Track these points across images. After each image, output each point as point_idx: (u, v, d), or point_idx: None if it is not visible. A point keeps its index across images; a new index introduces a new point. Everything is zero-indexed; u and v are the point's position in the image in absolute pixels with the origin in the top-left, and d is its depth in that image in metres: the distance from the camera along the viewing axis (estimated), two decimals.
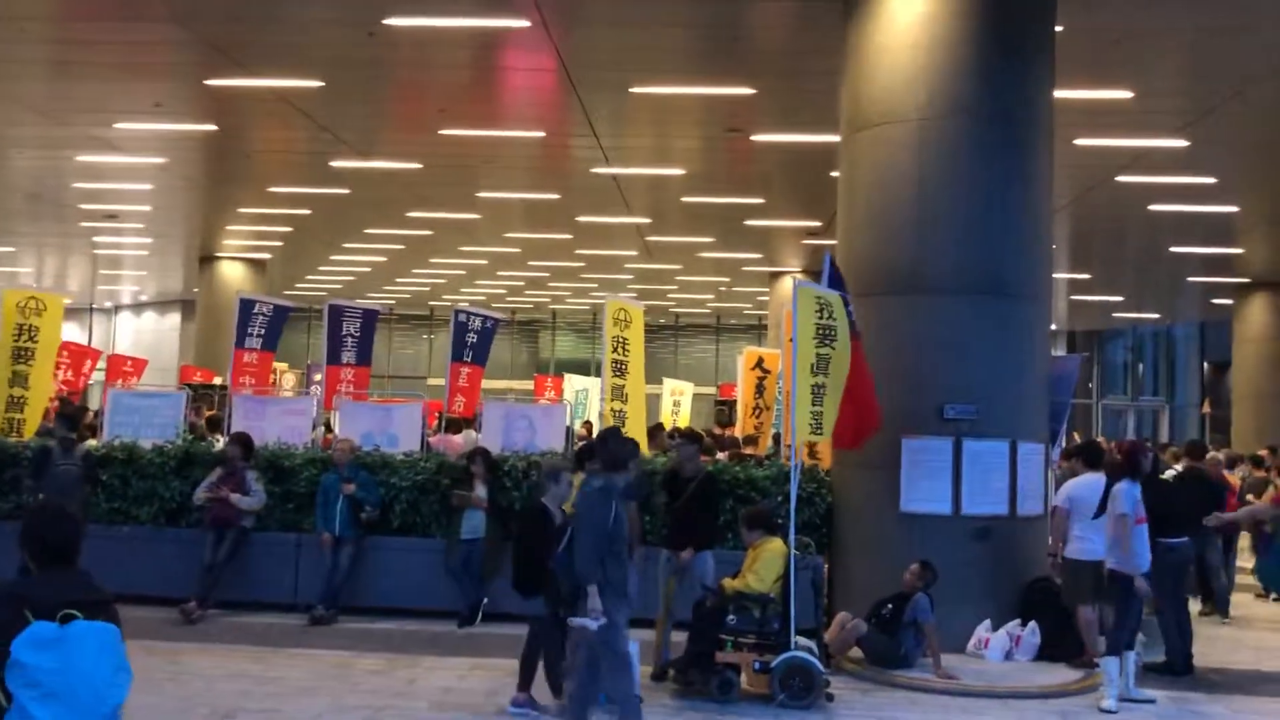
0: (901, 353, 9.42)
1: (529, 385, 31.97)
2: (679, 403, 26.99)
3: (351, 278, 33.21)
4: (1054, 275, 26.87)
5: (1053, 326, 37.43)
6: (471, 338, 11.70)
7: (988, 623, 9.07)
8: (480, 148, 16.83)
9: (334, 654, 8.64)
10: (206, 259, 28.71)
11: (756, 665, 7.49)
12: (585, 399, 26.02)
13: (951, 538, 9.19)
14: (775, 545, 7.77)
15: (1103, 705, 7.72)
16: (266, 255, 28.67)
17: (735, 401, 19.25)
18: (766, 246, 25.07)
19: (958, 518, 9.19)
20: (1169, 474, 11.46)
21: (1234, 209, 18.70)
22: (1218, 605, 11.35)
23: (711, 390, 34.99)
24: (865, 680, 8.33)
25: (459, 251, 27.40)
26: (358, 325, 12.37)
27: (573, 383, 27.17)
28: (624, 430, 10.52)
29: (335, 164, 18.04)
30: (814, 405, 8.30)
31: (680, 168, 17.82)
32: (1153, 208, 18.74)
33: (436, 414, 12.35)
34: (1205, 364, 36.88)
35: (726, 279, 31.11)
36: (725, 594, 7.69)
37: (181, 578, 9.93)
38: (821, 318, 8.20)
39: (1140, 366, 40.81)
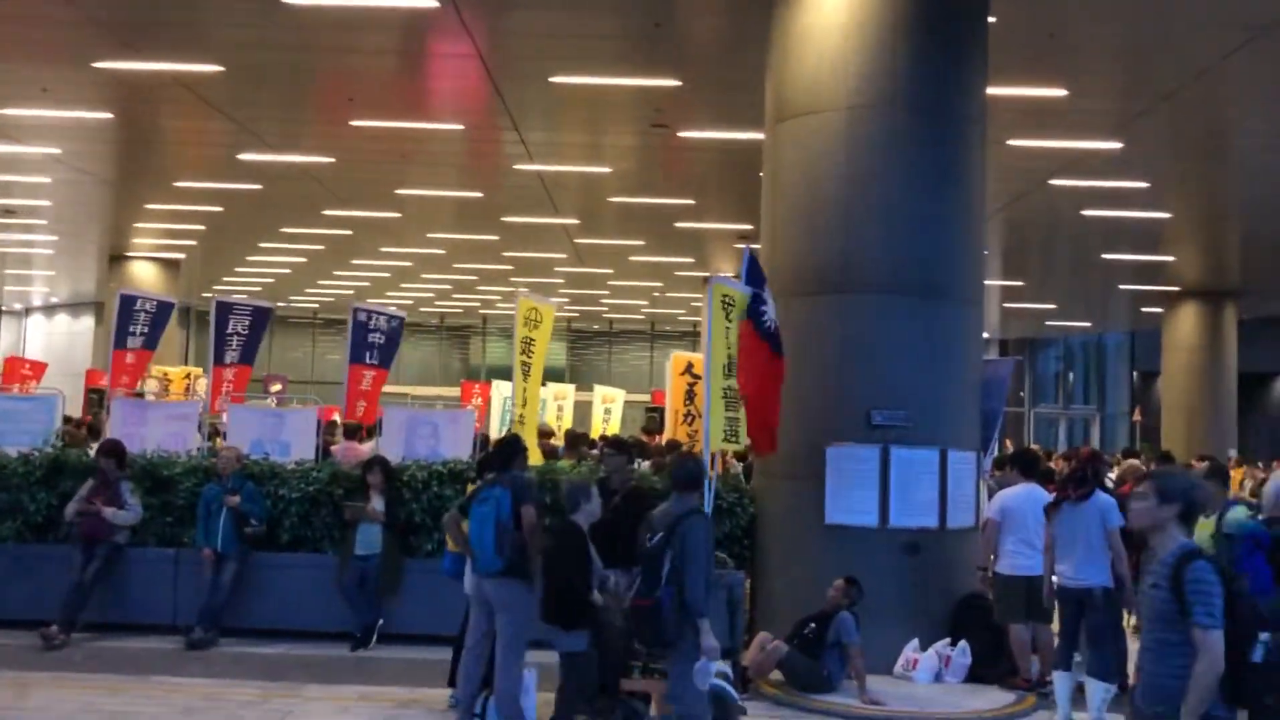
0: (828, 356, 8.87)
1: (458, 392, 31.15)
2: (610, 410, 26.40)
3: (271, 280, 32.17)
4: (987, 282, 26.88)
5: (985, 335, 37.58)
6: (375, 338, 10.94)
7: (916, 642, 8.54)
8: (396, 141, 16.08)
9: (205, 683, 7.85)
10: (117, 258, 27.53)
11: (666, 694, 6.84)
12: (510, 405, 25.23)
13: (879, 552, 8.65)
14: None
15: None
16: (180, 255, 27.54)
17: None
18: (699, 250, 24.57)
19: (885, 530, 8.66)
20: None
21: (1166, 215, 18.56)
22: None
23: (645, 398, 34.44)
24: (785, 706, 7.75)
25: (381, 253, 26.56)
26: (246, 323, 11.53)
27: (501, 389, 26.42)
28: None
29: (244, 157, 17.16)
30: (727, 411, 7.72)
31: (607, 166, 17.22)
32: (1086, 213, 18.54)
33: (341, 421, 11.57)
34: (1135, 373, 37.17)
35: (660, 284, 30.58)
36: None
37: (49, 599, 9.04)
38: (728, 317, 7.63)
39: (1071, 375, 41.10)
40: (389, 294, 34.67)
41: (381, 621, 9.17)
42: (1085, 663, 7.72)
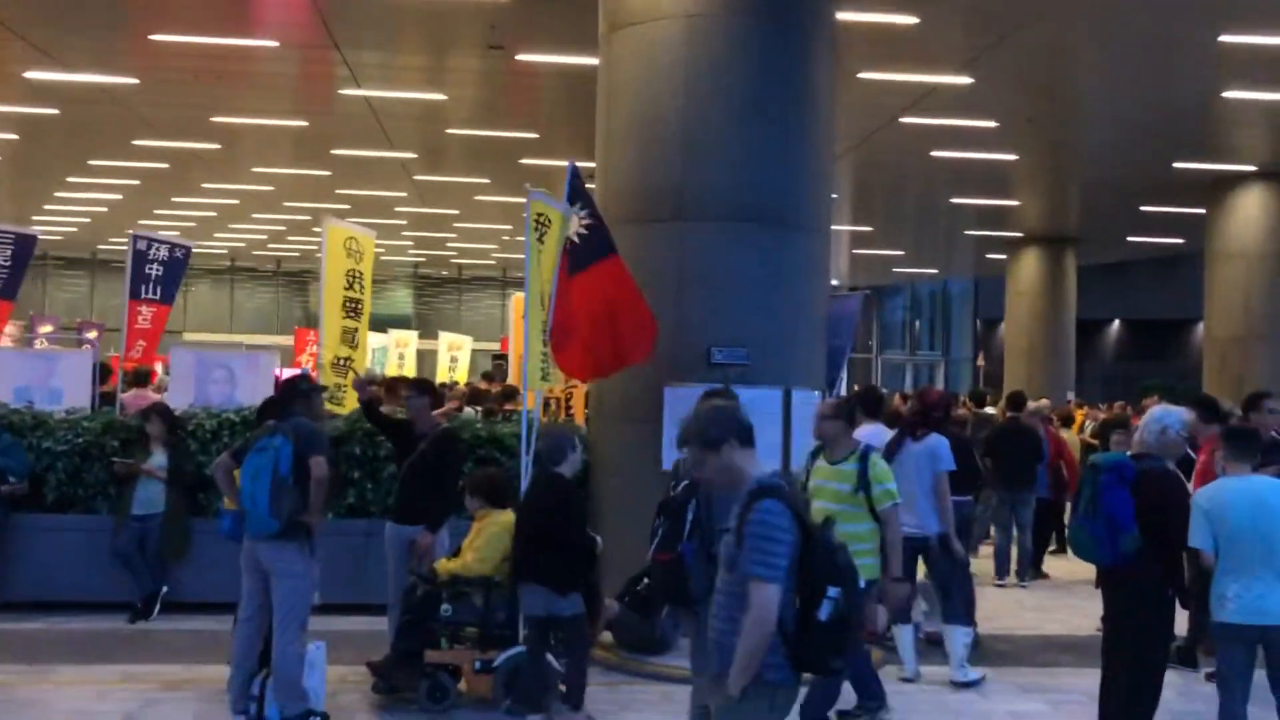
0: (665, 289, 8.12)
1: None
2: (457, 358, 25.42)
3: (86, 219, 29.78)
4: (835, 228, 26.76)
5: (834, 281, 37.76)
6: (154, 270, 9.70)
7: None
8: (205, 60, 14.57)
9: None
10: None
11: (478, 665, 6.08)
12: (383, 357, 24.27)
13: None
14: (503, 518, 6.34)
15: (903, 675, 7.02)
16: None
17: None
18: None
19: None
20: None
21: (1013, 157, 18.47)
22: (1020, 566, 10.76)
23: (496, 346, 33.40)
24: (615, 670, 7.09)
25: (204, 189, 24.71)
26: (9, 254, 10.11)
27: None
28: (339, 383, 8.91)
29: (32, 75, 15.36)
30: (544, 347, 6.92)
31: (440, 93, 16.05)
32: (935, 154, 18.29)
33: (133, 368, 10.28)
34: (978, 320, 38.00)
35: (510, 227, 29.43)
36: (439, 578, 6.21)
37: None
38: (541, 239, 6.80)
39: (917, 323, 41.85)
40: (217, 236, 32.67)
41: (165, 590, 8.14)
42: (940, 612, 7.35)
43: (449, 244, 33.48)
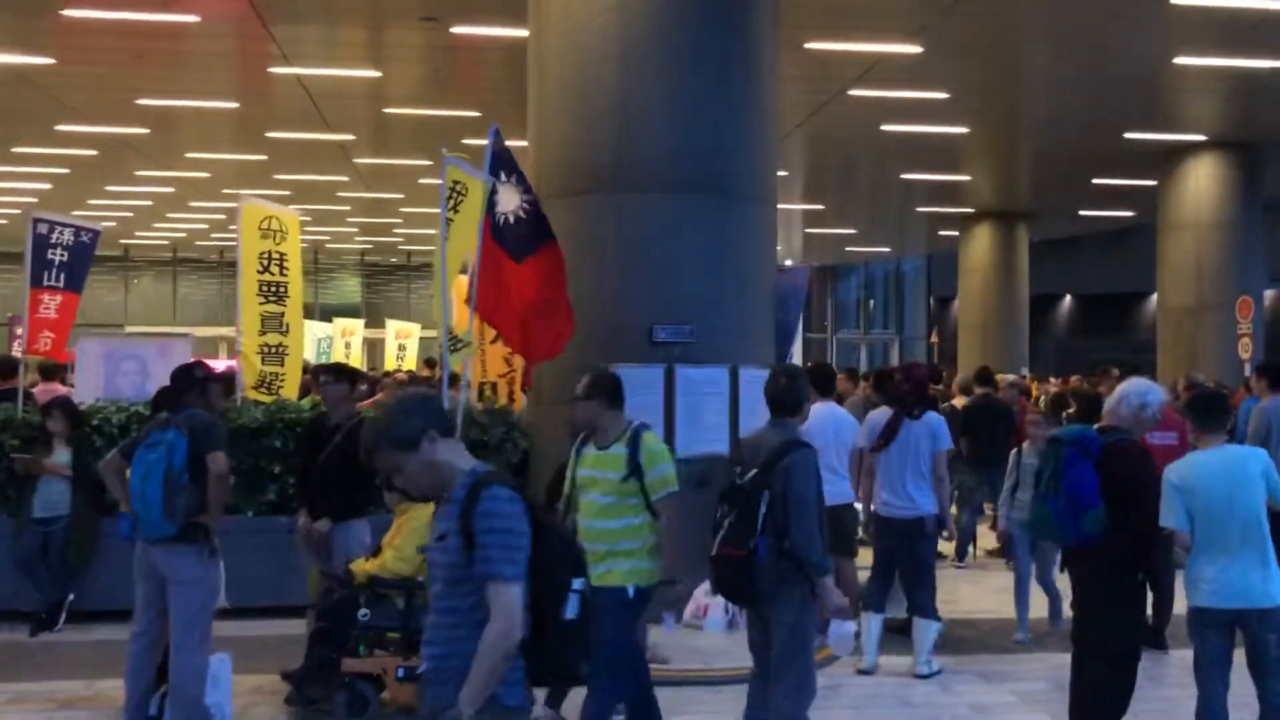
0: (603, 265, 7.70)
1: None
2: (405, 346, 24.86)
3: (15, 210, 28.73)
4: (787, 206, 26.43)
5: (788, 261, 37.47)
6: (58, 255, 9.08)
7: (707, 585, 7.53)
8: (124, 37, 13.84)
9: None
10: None
11: (400, 673, 5.60)
12: (329, 347, 23.66)
13: None
14: (425, 512, 5.86)
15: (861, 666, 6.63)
16: None
17: None
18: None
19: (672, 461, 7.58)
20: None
21: (963, 130, 18.17)
22: (1003, 547, 10.41)
23: None
24: None
25: (136, 177, 23.84)
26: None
27: (313, 330, 24.61)
28: (274, 372, 8.37)
29: None
30: (452, 320, 6.46)
31: (373, 69, 15.43)
32: (885, 128, 17.94)
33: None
34: (931, 298, 37.93)
35: None
36: (355, 580, 5.73)
37: None
38: (455, 208, 6.32)
39: (871, 302, 41.78)
40: (156, 226, 31.70)
41: (72, 598, 7.58)
42: (906, 603, 6.95)
43: (395, 230, 32.75)
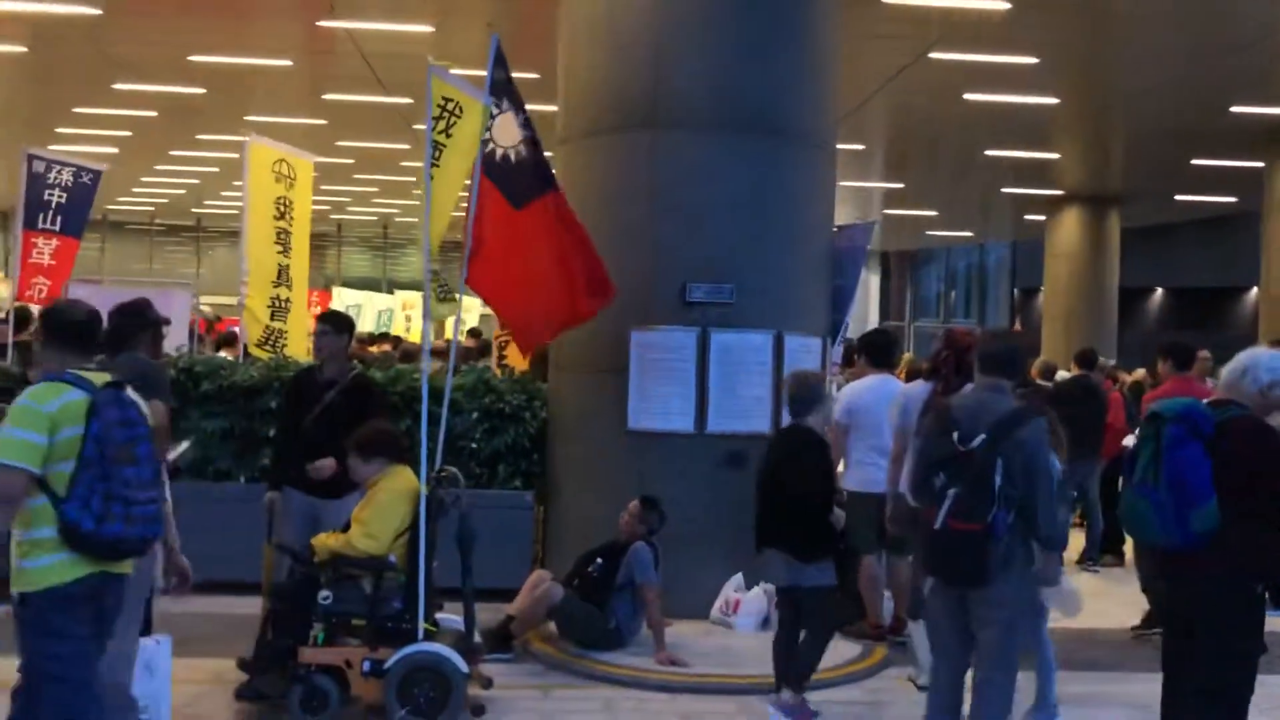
0: (632, 212, 6.86)
1: None
2: (466, 320, 24.47)
3: None
4: (866, 184, 25.29)
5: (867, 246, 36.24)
6: (56, 196, 8.47)
7: (738, 579, 6.70)
8: None
9: None
10: None
11: (367, 666, 4.84)
12: (389, 319, 23.28)
13: (694, 464, 6.77)
14: (399, 482, 5.09)
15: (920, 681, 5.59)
16: None
17: None
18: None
19: (702, 437, 6.75)
20: None
21: (1052, 100, 16.92)
22: (1087, 550, 9.36)
23: None
24: (557, 669, 5.84)
25: (197, 141, 23.55)
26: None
27: (343, 297, 24.27)
28: (279, 328, 7.69)
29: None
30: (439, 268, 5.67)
31: (426, 23, 14.72)
32: (968, 96, 16.77)
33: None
34: (1015, 290, 36.49)
35: None
36: (317, 556, 4.97)
37: None
38: (447, 131, 5.49)
39: (953, 293, 40.46)
40: (224, 194, 31.54)
41: None
42: None
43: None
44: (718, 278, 6.73)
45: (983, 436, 4.20)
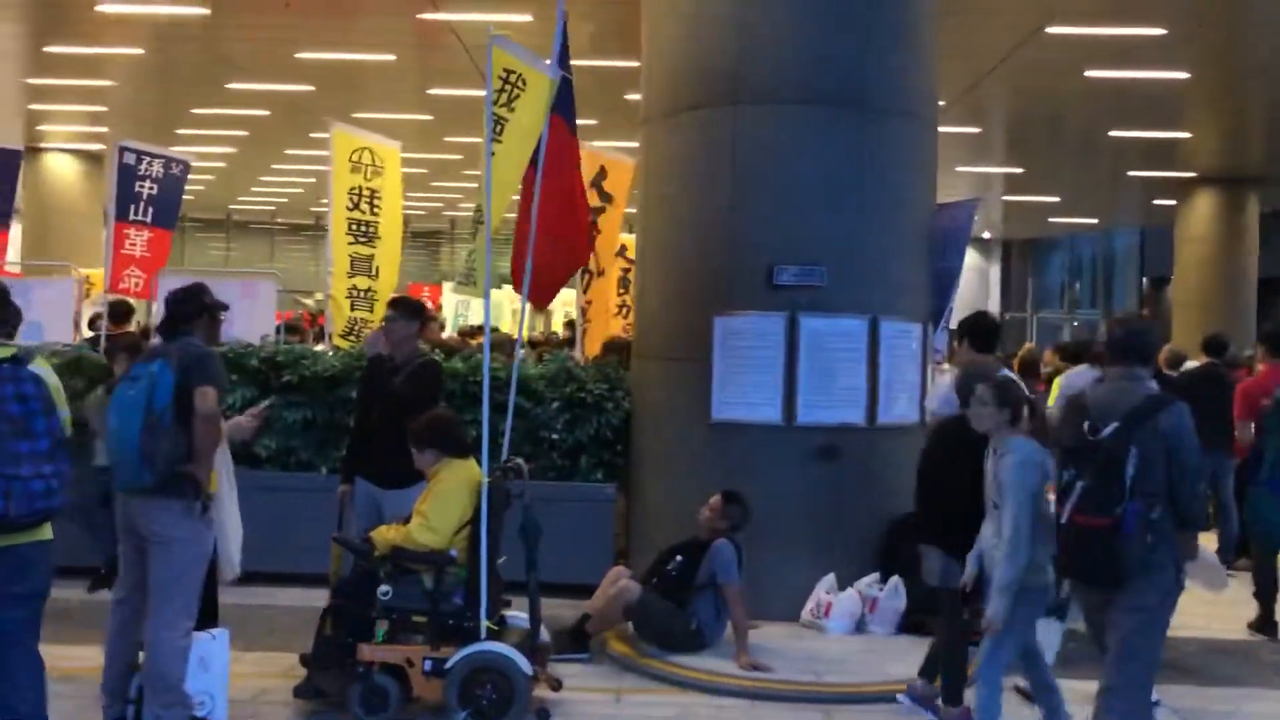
0: (716, 192, 6.52)
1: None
2: (570, 313, 24.45)
3: (210, 177, 29.63)
4: (986, 170, 24.36)
5: (986, 234, 35.12)
6: (147, 188, 8.50)
7: (830, 579, 6.32)
8: None
9: None
10: (31, 151, 25.08)
11: (428, 665, 4.63)
12: (466, 310, 23.39)
13: (783, 458, 6.41)
14: (461, 473, 4.86)
15: None
16: (98, 146, 25.01)
17: None
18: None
19: (792, 429, 6.39)
20: None
21: (1182, 75, 15.93)
22: (1220, 553, 8.69)
23: None
24: (632, 672, 5.55)
25: (310, 140, 23.95)
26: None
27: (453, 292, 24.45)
28: (362, 318, 7.59)
29: (105, 9, 14.58)
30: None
31: (525, 12, 14.57)
32: (1090, 73, 15.92)
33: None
34: (1144, 279, 34.88)
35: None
36: (376, 550, 4.78)
37: None
38: (510, 104, 5.22)
39: (1078, 284, 38.97)
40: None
41: None
42: None
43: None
44: (807, 259, 6.36)
45: (1115, 425, 3.96)
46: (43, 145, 25.01)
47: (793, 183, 6.41)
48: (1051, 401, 8.13)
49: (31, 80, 19.13)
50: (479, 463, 4.92)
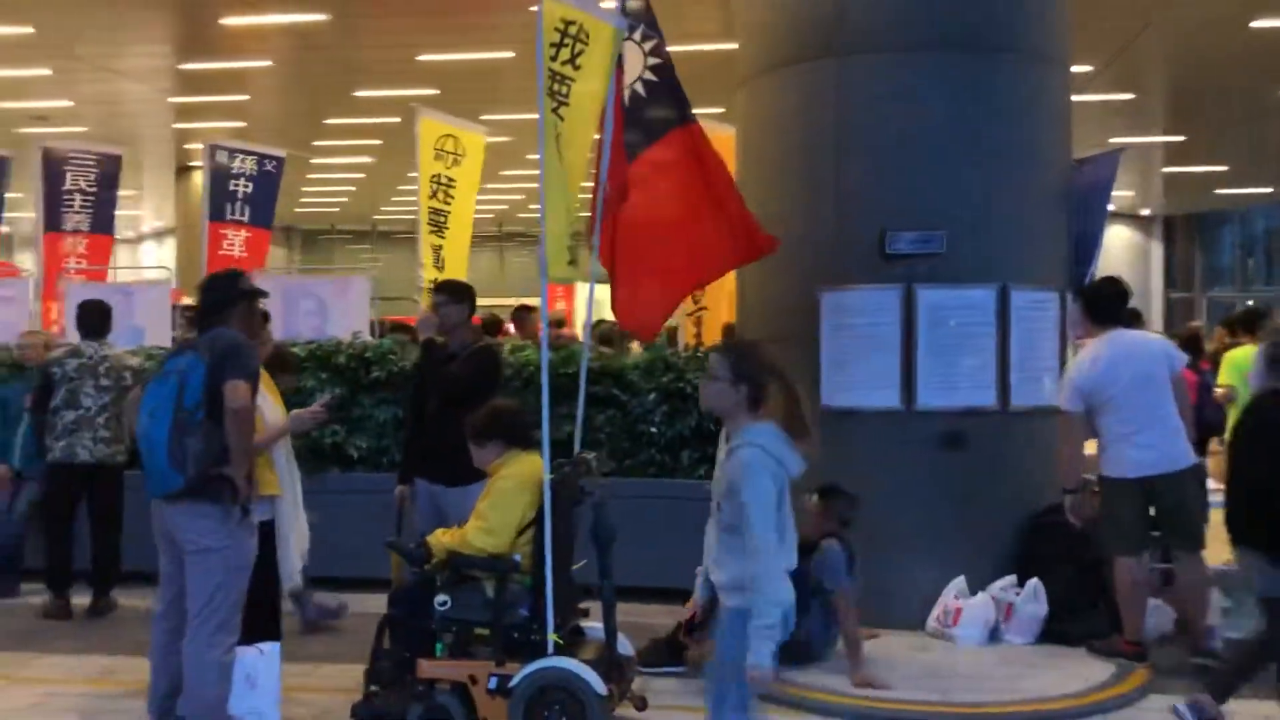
0: (816, 153, 5.90)
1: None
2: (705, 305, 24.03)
3: (351, 187, 30.22)
4: (1143, 139, 22.75)
5: (1145, 210, 33.06)
6: (242, 186, 8.33)
7: (960, 583, 5.61)
8: None
9: None
10: (183, 169, 26.03)
11: (493, 683, 4.16)
12: (596, 308, 23.20)
13: (903, 447, 5.74)
14: (523, 468, 4.36)
15: None
16: None
17: None
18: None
19: (912, 415, 5.71)
20: None
21: None
22: None
23: None
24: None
25: None
26: (92, 177, 9.05)
27: (583, 290, 24.27)
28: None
29: (229, 21, 14.82)
30: (574, 221, 4.92)
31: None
32: (1256, 24, 14.57)
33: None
34: None
35: None
36: (434, 557, 4.33)
37: None
38: (573, 59, 4.70)
39: (1251, 260, 36.40)
40: (480, 198, 32.40)
41: None
42: None
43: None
44: (924, 224, 5.67)
45: None
46: (191, 165, 25.83)
47: (904, 140, 5.73)
48: (1222, 380, 7.24)
49: (173, 99, 19.72)
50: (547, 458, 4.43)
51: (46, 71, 17.00)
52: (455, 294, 5.29)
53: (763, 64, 6.13)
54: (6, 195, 9.03)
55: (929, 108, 5.71)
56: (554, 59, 4.63)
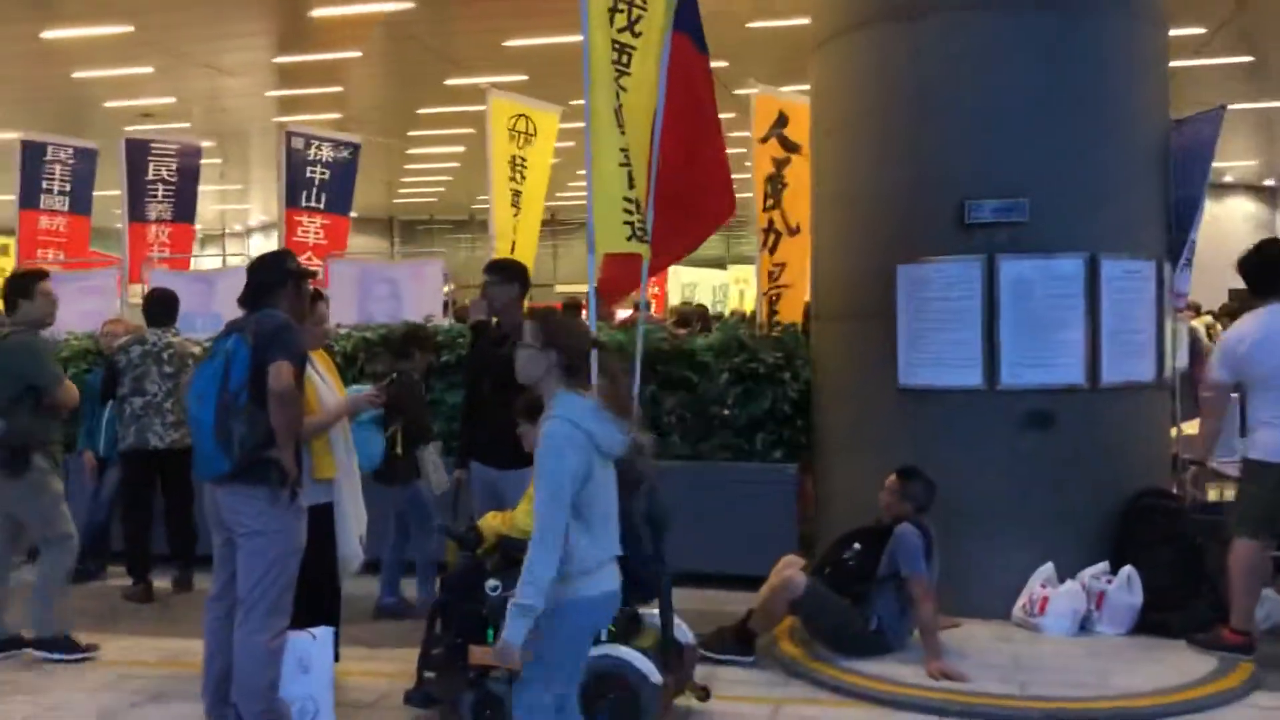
0: (893, 117, 5.62)
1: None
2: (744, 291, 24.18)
3: (448, 177, 30.48)
4: (1266, 104, 21.61)
5: (1269, 180, 31.46)
6: (318, 173, 8.33)
7: (1049, 570, 5.31)
8: None
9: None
10: None
11: None
12: (693, 292, 23.20)
13: (986, 427, 5.45)
14: None
15: None
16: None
17: None
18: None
19: (995, 394, 5.41)
20: None
21: None
22: None
23: None
24: (800, 677, 4.76)
25: None
26: (173, 167, 9.16)
27: (679, 275, 24.22)
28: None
29: (319, 13, 14.98)
30: (628, 189, 4.72)
31: None
32: None
33: None
34: None
35: None
36: (483, 541, 4.22)
37: None
38: (632, 27, 4.52)
39: None
40: (570, 185, 32.49)
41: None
42: None
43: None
44: (1006, 192, 5.36)
45: None
46: None
47: (985, 103, 5.42)
48: None
49: (270, 93, 20.09)
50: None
51: (149, 69, 17.41)
52: (505, 273, 5.16)
53: (837, 25, 5.87)
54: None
55: (1013, 69, 5.39)
56: (613, 25, 4.47)
